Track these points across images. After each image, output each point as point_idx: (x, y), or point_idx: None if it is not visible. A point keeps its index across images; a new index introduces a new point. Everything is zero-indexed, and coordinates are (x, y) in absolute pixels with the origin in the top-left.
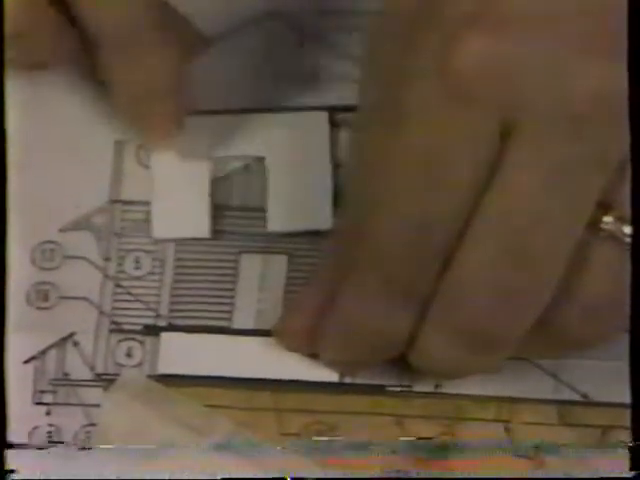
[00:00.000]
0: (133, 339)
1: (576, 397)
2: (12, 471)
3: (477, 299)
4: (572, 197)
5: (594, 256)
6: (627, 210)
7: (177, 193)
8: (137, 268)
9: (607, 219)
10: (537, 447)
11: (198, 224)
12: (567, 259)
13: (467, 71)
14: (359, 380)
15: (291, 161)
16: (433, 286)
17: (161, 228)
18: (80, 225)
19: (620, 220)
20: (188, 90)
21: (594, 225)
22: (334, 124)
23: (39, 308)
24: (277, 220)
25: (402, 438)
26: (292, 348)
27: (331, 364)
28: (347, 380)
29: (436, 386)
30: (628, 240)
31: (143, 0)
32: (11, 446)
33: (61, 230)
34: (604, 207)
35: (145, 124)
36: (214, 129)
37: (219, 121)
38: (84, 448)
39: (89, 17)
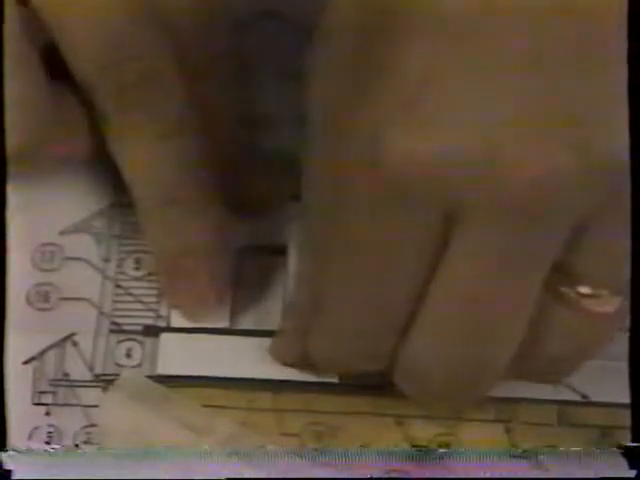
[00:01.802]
0: (133, 340)
1: (576, 397)
2: (12, 472)
3: (431, 372)
4: (518, 280)
5: (552, 317)
6: (585, 270)
7: None
8: (137, 269)
9: (561, 282)
10: (537, 447)
11: (218, 314)
12: (520, 329)
13: (399, 173)
14: (359, 380)
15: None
16: (394, 349)
17: (181, 317)
18: (80, 228)
19: (576, 282)
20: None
21: (549, 288)
22: None
23: (39, 309)
24: None
25: (402, 438)
26: (289, 365)
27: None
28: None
29: None
30: (586, 303)
31: (185, 159)
32: (11, 447)
33: (61, 233)
34: (559, 269)
35: (182, 291)
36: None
37: None
38: (84, 449)
39: (128, 173)
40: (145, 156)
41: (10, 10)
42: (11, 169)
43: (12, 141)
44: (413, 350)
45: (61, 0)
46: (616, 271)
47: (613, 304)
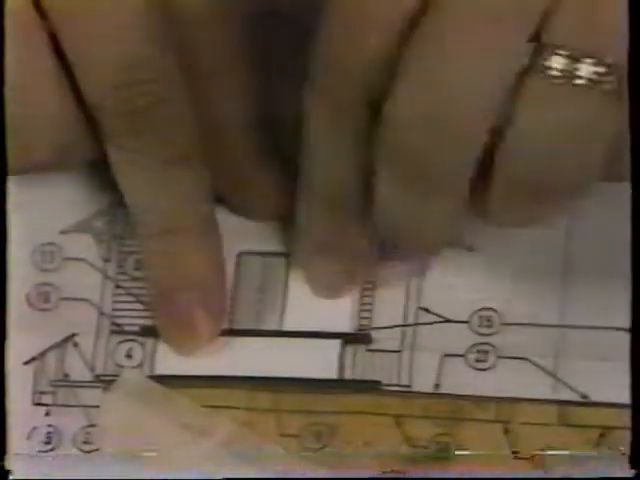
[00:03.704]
0: (133, 340)
1: (576, 397)
2: (11, 472)
3: (410, 134)
4: (499, 46)
5: (527, 91)
6: (563, 37)
7: None
8: (137, 269)
9: (539, 51)
10: (537, 447)
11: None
12: (497, 94)
13: None
14: (358, 377)
15: None
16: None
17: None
18: (80, 227)
19: (553, 50)
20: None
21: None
22: None
23: (40, 309)
24: (294, 319)
25: (401, 438)
26: None
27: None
28: (347, 377)
29: (435, 386)
30: (558, 73)
31: (189, 187)
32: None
33: (61, 232)
34: (537, 39)
35: (175, 325)
36: (238, 225)
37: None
38: (84, 450)
39: (130, 198)
40: (148, 182)
41: (36, 23)
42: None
43: (39, 155)
44: (391, 112)
45: (77, 18)
46: (599, 39)
47: (594, 75)
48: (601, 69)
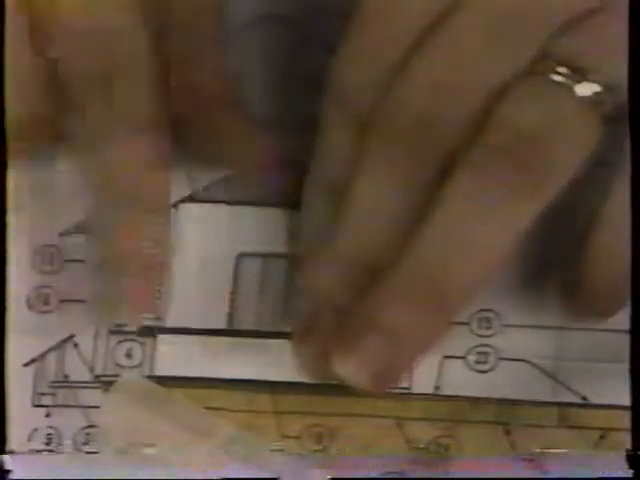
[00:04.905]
0: (133, 340)
1: (576, 399)
2: (10, 472)
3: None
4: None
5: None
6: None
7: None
8: None
9: (560, 69)
10: (537, 449)
11: (215, 316)
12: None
13: None
14: None
15: None
16: None
17: (178, 318)
18: (80, 229)
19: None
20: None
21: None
22: None
23: (40, 312)
24: None
25: (402, 440)
26: None
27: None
28: None
29: (435, 388)
30: (559, 79)
31: (154, 156)
32: (11, 449)
33: (61, 234)
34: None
35: (132, 289)
36: (238, 226)
37: (241, 214)
38: (84, 450)
39: (95, 165)
40: (118, 153)
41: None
42: (13, 144)
43: (17, 113)
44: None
45: None
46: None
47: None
48: (598, 88)
